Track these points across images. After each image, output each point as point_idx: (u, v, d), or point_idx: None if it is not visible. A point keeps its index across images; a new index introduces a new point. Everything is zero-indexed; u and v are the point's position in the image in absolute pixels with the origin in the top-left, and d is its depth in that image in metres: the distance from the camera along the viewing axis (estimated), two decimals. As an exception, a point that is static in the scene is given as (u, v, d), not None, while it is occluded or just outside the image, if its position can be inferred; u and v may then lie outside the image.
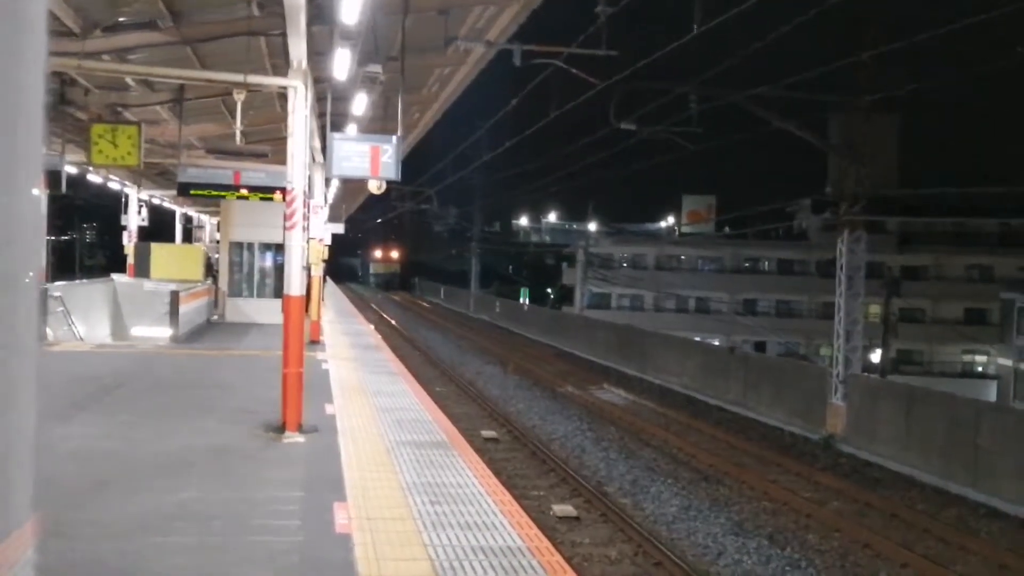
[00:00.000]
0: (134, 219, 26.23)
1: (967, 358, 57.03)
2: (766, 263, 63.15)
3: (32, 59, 1.82)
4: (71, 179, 20.17)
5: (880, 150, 21.50)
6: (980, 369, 56.23)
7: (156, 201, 30.68)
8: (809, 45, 21.77)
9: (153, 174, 25.02)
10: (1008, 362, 45.99)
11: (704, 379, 26.78)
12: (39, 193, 1.87)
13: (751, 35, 15.61)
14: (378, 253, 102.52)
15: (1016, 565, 12.00)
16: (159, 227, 33.02)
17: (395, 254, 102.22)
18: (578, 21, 14.48)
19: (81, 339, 18.34)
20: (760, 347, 52.73)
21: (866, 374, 23.95)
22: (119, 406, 11.37)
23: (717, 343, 44.86)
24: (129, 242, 25.91)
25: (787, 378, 23.48)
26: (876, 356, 41.00)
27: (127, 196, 26.32)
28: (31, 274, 1.82)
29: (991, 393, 48.83)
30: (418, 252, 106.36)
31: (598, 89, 17.34)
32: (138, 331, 18.84)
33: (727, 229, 64.43)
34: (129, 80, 14.00)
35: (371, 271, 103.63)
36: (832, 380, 20.77)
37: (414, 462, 8.80)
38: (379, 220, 79.58)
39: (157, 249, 24.24)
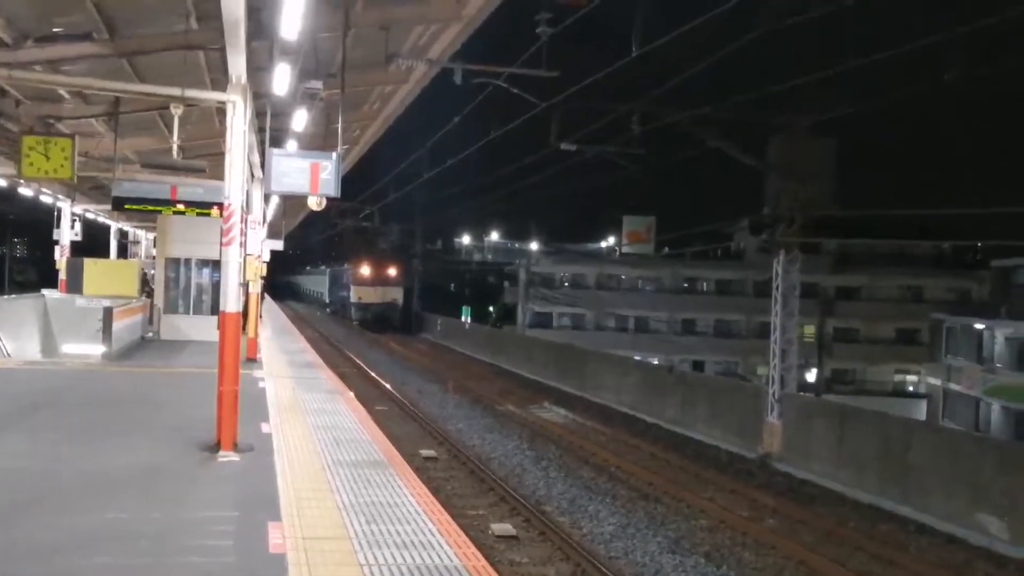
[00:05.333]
0: (67, 233, 25.68)
1: (898, 377, 58.33)
2: (704, 283, 63.99)
3: None
4: (0, 192, 19.69)
5: (817, 172, 21.94)
6: (911, 388, 57.51)
7: (90, 216, 30.05)
8: (749, 68, 22.23)
9: (87, 188, 24.52)
10: (937, 381, 47.05)
11: (642, 398, 26.97)
12: None
13: (691, 57, 15.87)
14: (365, 270, 59.27)
15: (944, 580, 12.28)
16: (93, 242, 32.34)
17: (393, 271, 60.17)
18: (519, 41, 14.59)
19: (8, 356, 17.86)
20: (698, 366, 53.32)
21: (801, 393, 24.35)
22: (47, 424, 11.08)
23: (656, 362, 45.25)
24: (61, 257, 25.34)
25: (724, 397, 23.76)
26: (811, 375, 41.74)
27: (60, 210, 25.76)
28: None
29: (921, 412, 49.92)
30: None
31: (539, 109, 17.47)
32: (69, 348, 18.37)
33: (666, 249, 65.18)
34: (63, 92, 13.74)
35: (353, 298, 59.89)
36: (768, 399, 21.06)
37: (351, 482, 8.72)
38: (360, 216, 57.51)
39: (90, 264, 23.71)
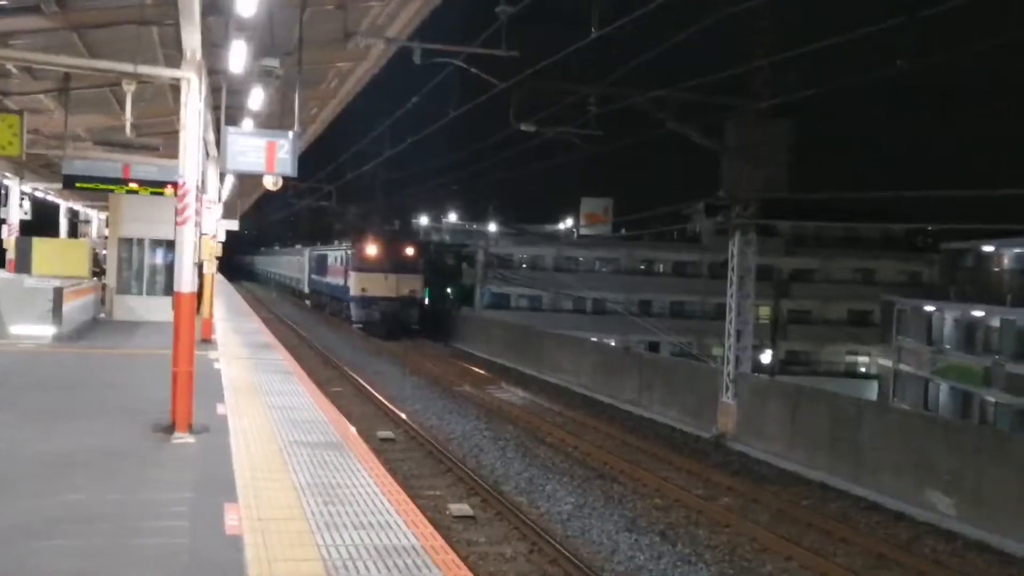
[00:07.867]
0: (15, 212, 25.16)
1: (850, 358, 59.30)
2: (661, 265, 64.42)
3: None
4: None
5: (772, 154, 22.11)
6: (863, 369, 58.52)
7: (40, 194, 29.44)
8: (707, 50, 22.27)
9: (36, 166, 24.00)
10: (888, 362, 47.96)
11: (600, 378, 27.13)
12: None
13: (649, 39, 15.88)
14: (373, 250, 41.28)
15: (891, 554, 12.56)
16: (43, 221, 31.69)
17: (411, 251, 42.40)
18: (479, 21, 14.52)
19: (-44, 337, 17.49)
20: (654, 347, 53.69)
21: (756, 374, 24.66)
22: (-3, 406, 10.89)
23: (613, 343, 45.54)
24: (9, 236, 24.84)
25: (680, 377, 23.98)
26: (766, 356, 42.27)
27: (7, 188, 25.22)
28: None
29: (873, 392, 50.87)
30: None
31: (498, 89, 17.39)
32: (18, 329, 18.01)
33: (624, 231, 65.43)
34: (10, 67, 13.40)
35: (353, 290, 41.47)
36: (723, 379, 21.30)
37: (308, 463, 8.69)
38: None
39: (39, 244, 23.25)
